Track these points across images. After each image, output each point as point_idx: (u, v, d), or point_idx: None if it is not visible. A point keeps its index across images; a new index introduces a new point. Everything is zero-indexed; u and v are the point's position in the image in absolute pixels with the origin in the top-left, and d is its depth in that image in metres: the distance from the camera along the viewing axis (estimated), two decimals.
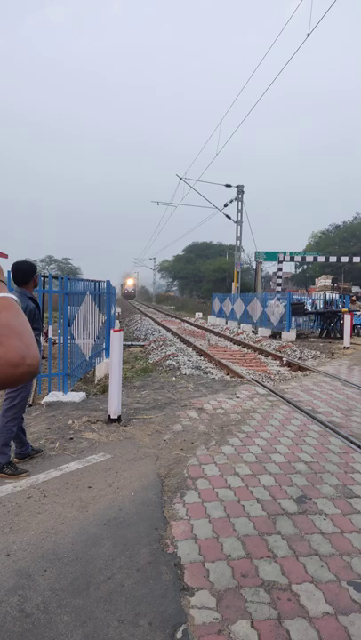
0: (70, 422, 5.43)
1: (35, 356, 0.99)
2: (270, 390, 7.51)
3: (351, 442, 4.93)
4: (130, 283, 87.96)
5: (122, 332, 5.86)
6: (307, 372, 9.69)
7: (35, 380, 6.80)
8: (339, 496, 3.63)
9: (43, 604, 2.34)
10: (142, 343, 15.16)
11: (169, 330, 19.78)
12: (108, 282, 10.65)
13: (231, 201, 27.87)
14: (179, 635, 2.13)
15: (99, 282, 9.71)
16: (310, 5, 10.65)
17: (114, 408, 5.47)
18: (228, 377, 9.32)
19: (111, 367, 5.59)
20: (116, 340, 5.63)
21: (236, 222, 27.64)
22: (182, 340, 16.09)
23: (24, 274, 4.19)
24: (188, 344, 14.81)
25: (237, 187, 27.42)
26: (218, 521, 3.21)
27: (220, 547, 2.88)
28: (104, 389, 7.66)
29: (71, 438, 4.92)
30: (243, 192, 27.42)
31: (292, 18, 11.60)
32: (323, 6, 10.48)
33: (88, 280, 9.06)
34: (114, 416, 5.46)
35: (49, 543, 2.90)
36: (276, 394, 7.22)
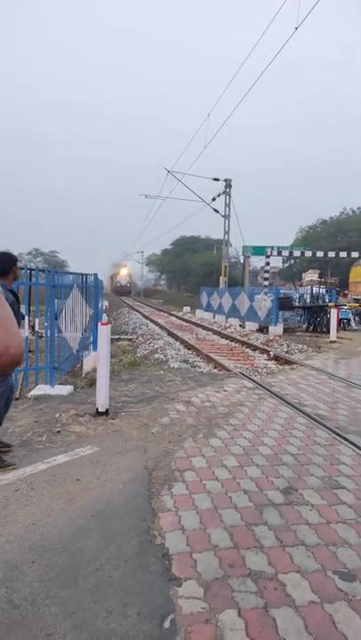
0: (58, 415, 5.41)
1: (18, 345, 0.99)
2: (258, 384, 7.56)
3: (337, 434, 4.99)
4: (123, 273, 66.91)
5: (109, 326, 5.85)
6: (294, 366, 9.76)
7: (21, 374, 6.77)
8: (325, 487, 3.67)
9: (31, 595, 2.34)
10: (130, 337, 15.14)
11: (157, 324, 19.77)
12: (96, 275, 10.60)
13: (219, 195, 27.85)
14: (167, 624, 2.15)
15: (86, 275, 9.66)
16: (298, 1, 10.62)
17: (102, 401, 5.46)
18: (215, 370, 9.36)
19: (99, 360, 5.58)
20: (104, 333, 5.62)
21: (224, 216, 27.65)
22: (170, 333, 16.10)
23: (3, 265, 4.10)
24: (176, 338, 14.82)
25: (225, 180, 27.40)
26: (205, 512, 3.23)
27: (208, 537, 2.90)
28: (92, 383, 7.63)
29: (59, 431, 4.91)
30: (231, 186, 27.41)
31: (282, 11, 11.56)
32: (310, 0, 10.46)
33: (75, 273, 9.01)
34: (102, 409, 5.45)
35: (37, 535, 2.90)
36: (264, 387, 7.27)
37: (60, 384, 6.95)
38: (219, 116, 20.24)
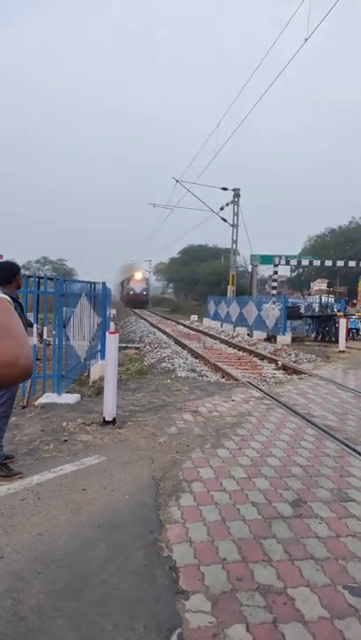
0: (65, 424, 5.40)
1: (28, 356, 0.98)
2: (266, 393, 7.51)
3: (346, 445, 4.93)
4: (138, 277, 53.74)
5: (117, 334, 5.85)
6: (302, 376, 9.70)
7: (29, 381, 6.78)
8: (334, 500, 3.63)
9: (37, 607, 2.32)
10: (137, 345, 15.14)
11: (164, 332, 19.76)
12: (104, 283, 10.63)
13: (228, 204, 27.93)
14: (174, 638, 2.12)
15: (94, 283, 9.70)
16: (308, 10, 10.70)
17: (109, 410, 5.45)
18: (223, 380, 9.32)
19: (106, 369, 5.57)
20: (112, 341, 5.62)
21: (233, 225, 27.70)
22: (177, 342, 16.09)
23: (6, 273, 4.12)
24: (184, 346, 14.80)
25: (234, 190, 27.50)
26: (213, 524, 3.19)
27: (216, 550, 2.86)
28: (98, 391, 7.63)
29: (65, 440, 4.89)
30: (239, 195, 27.49)
31: (292, 22, 11.65)
32: (322, 11, 10.53)
33: (83, 281, 9.05)
34: (109, 418, 5.43)
35: (43, 546, 2.88)
36: (272, 397, 7.22)
37: (67, 392, 6.95)
38: (230, 124, 20.33)
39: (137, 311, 41.05)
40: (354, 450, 4.80)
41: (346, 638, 2.13)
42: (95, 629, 2.17)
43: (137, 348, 14.40)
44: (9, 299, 1.09)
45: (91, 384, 8.49)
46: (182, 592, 2.45)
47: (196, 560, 2.75)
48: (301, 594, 2.44)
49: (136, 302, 49.27)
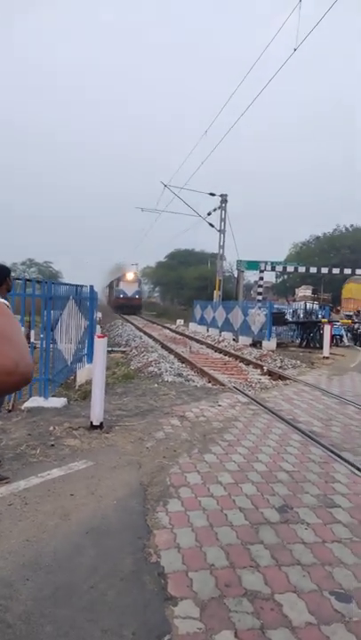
0: (51, 428, 5.38)
1: (28, 363, 0.97)
2: (252, 399, 7.56)
3: (332, 452, 4.99)
4: (130, 277, 46.29)
5: (106, 338, 5.85)
6: (287, 382, 9.78)
7: None
8: (320, 505, 3.67)
9: (25, 613, 2.31)
10: (124, 349, 15.12)
11: (150, 336, 19.76)
12: (91, 287, 10.61)
13: (215, 209, 28.08)
14: None
15: (81, 286, 9.67)
16: (298, 21, 10.85)
17: (96, 414, 5.43)
18: (209, 385, 9.36)
19: (94, 373, 5.56)
20: (100, 345, 5.61)
21: (220, 231, 27.84)
22: (164, 346, 16.09)
23: None
24: (170, 351, 14.82)
25: (221, 195, 27.64)
26: (201, 530, 3.21)
27: (204, 556, 2.88)
28: (85, 395, 7.62)
29: (52, 445, 4.87)
30: (226, 201, 27.65)
31: (281, 31, 11.78)
32: (311, 22, 10.68)
33: (70, 284, 9.02)
34: (96, 423, 5.42)
35: (30, 552, 2.86)
36: (258, 402, 7.27)
37: (53, 396, 6.91)
38: (219, 130, 20.46)
39: (125, 315, 38.33)
40: (339, 456, 4.86)
41: None
42: (83, 636, 2.17)
43: (123, 352, 14.38)
44: (7, 303, 1.09)
45: (77, 388, 8.47)
46: (171, 598, 2.46)
47: (184, 566, 2.76)
48: (289, 600, 2.47)
49: (127, 307, 42.03)
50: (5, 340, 0.95)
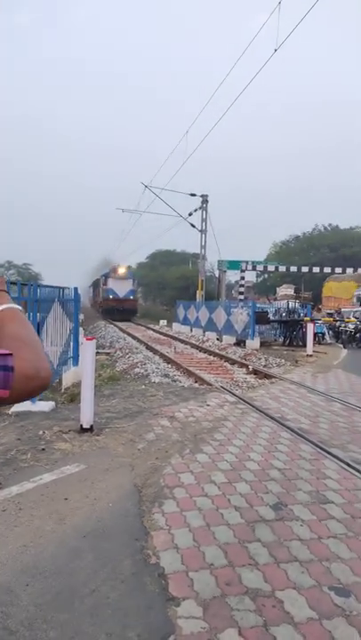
0: (41, 432, 5.33)
1: (47, 367, 0.97)
2: (239, 398, 7.61)
3: (321, 448, 5.05)
4: (122, 272, 37.77)
5: (94, 341, 5.82)
6: (273, 380, 9.86)
7: None
8: (313, 502, 3.71)
9: (27, 619, 2.29)
10: (108, 351, 15.05)
11: (134, 337, 19.71)
12: (76, 289, 10.54)
13: (196, 210, 28.13)
14: None
15: (63, 288, 9.59)
16: (277, 22, 10.94)
17: (87, 417, 5.41)
18: (196, 385, 9.38)
19: (84, 376, 5.53)
20: (89, 348, 5.59)
21: (201, 231, 27.91)
22: (148, 347, 16.07)
23: None
24: (155, 352, 14.81)
25: (202, 196, 27.71)
26: (198, 530, 3.22)
27: (203, 556, 2.89)
28: (72, 398, 7.56)
29: (43, 449, 4.83)
30: (207, 201, 27.73)
31: (262, 31, 11.85)
32: (291, 23, 10.79)
33: (53, 287, 8.94)
34: (86, 425, 5.39)
35: (28, 557, 2.84)
36: (246, 401, 7.32)
37: (40, 400, 6.84)
38: (199, 132, 20.51)
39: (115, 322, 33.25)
40: (328, 452, 4.92)
41: (335, 638, 2.20)
42: None
43: (108, 354, 14.31)
44: (21, 308, 1.08)
45: (63, 391, 8.39)
46: (173, 599, 2.47)
47: (183, 566, 2.77)
48: (289, 596, 2.50)
49: (119, 312, 34.22)
50: (24, 345, 0.95)
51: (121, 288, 36.01)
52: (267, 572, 2.73)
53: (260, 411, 6.72)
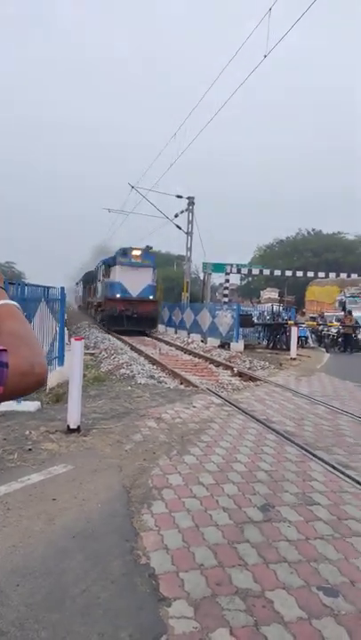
0: (27, 432, 5.30)
1: (43, 364, 0.97)
2: (225, 400, 7.65)
3: (306, 450, 5.11)
4: (136, 255, 23.02)
5: (83, 341, 5.80)
6: (258, 383, 9.93)
7: None
8: (300, 503, 3.76)
9: (18, 620, 2.28)
10: (92, 351, 14.97)
11: (118, 338, 19.63)
12: (62, 288, 10.48)
13: (182, 211, 28.17)
14: None
15: (49, 288, 9.53)
16: (267, 28, 11.04)
17: (73, 418, 5.38)
18: (182, 386, 9.39)
19: (72, 376, 5.51)
20: (78, 348, 5.57)
21: (187, 233, 27.95)
22: (133, 348, 16.04)
23: None
24: (140, 353, 14.78)
25: (188, 198, 27.76)
26: (187, 531, 3.24)
27: (192, 556, 2.91)
28: (57, 399, 7.52)
29: (30, 449, 4.80)
30: (193, 203, 27.78)
31: (253, 36, 11.94)
32: (281, 29, 10.90)
33: (39, 286, 8.88)
34: (73, 426, 5.37)
35: (18, 557, 2.83)
36: (232, 403, 7.36)
37: (25, 400, 6.79)
38: (187, 135, 20.58)
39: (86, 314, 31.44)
40: (314, 455, 4.98)
41: (324, 637, 2.23)
42: None
43: (92, 354, 14.24)
44: (17, 305, 1.08)
45: (48, 391, 8.33)
46: (164, 599, 2.48)
47: (174, 567, 2.79)
48: (279, 596, 2.53)
49: (133, 320, 21.98)
50: (20, 341, 0.95)
51: (134, 281, 22.50)
52: (256, 572, 2.76)
53: (246, 413, 6.77)
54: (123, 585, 2.60)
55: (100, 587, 2.58)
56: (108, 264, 24.17)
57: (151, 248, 24.65)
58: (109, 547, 3.00)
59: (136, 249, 23.34)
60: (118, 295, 22.30)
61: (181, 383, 9.77)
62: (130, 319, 21.85)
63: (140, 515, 3.46)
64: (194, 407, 7.02)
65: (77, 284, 40.38)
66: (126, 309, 21.84)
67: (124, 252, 23.10)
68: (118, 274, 22.71)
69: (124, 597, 2.49)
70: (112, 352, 13.57)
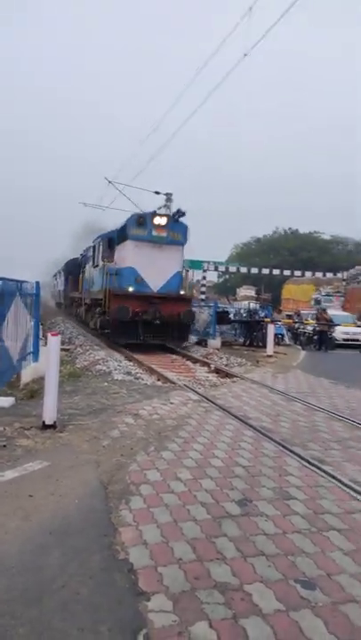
0: (2, 429, 5.22)
1: None
2: (202, 396, 7.68)
3: (283, 446, 5.17)
4: (160, 224, 14.52)
5: (59, 337, 5.74)
6: (235, 379, 9.99)
7: None
8: (277, 498, 3.80)
9: None
10: (67, 347, 14.81)
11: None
12: (37, 283, 10.34)
13: (160, 208, 28.06)
14: (140, 639, 2.14)
15: (22, 282, 9.38)
16: (248, 27, 11.09)
17: (49, 414, 5.32)
18: (159, 383, 9.39)
19: (48, 372, 5.44)
20: (54, 343, 5.51)
21: None
22: (109, 344, 15.92)
23: None
24: (116, 349, 14.69)
25: (166, 194, 27.69)
26: (165, 525, 3.24)
27: (171, 551, 2.91)
28: (32, 394, 7.42)
29: (4, 445, 4.73)
30: (171, 200, 27.70)
31: (234, 34, 11.98)
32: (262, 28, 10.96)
33: (14, 280, 8.72)
34: (49, 422, 5.31)
35: None
36: (209, 400, 7.39)
37: None
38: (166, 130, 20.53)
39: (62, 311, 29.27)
40: (290, 450, 5.04)
41: (302, 628, 2.26)
42: (59, 635, 2.14)
43: (67, 350, 14.09)
44: None
45: (22, 387, 8.21)
46: (143, 593, 2.47)
47: (152, 561, 2.78)
48: (257, 589, 2.55)
49: (155, 328, 14.53)
50: None
51: (157, 268, 14.96)
52: (234, 566, 2.78)
53: (223, 409, 6.80)
54: (101, 580, 2.59)
55: (78, 582, 2.56)
56: (113, 240, 16.05)
57: (184, 214, 15.44)
58: (87, 542, 2.98)
59: (161, 215, 15.31)
60: (131, 289, 14.32)
61: (159, 379, 9.77)
62: (149, 327, 14.36)
63: (118, 510, 3.44)
64: (171, 403, 7.03)
65: (55, 275, 32.11)
66: (144, 311, 14.12)
67: (141, 221, 14.61)
68: (131, 254, 14.55)
69: (103, 592, 2.48)
70: (87, 348, 13.47)
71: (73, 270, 25.81)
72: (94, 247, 18.38)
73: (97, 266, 17.51)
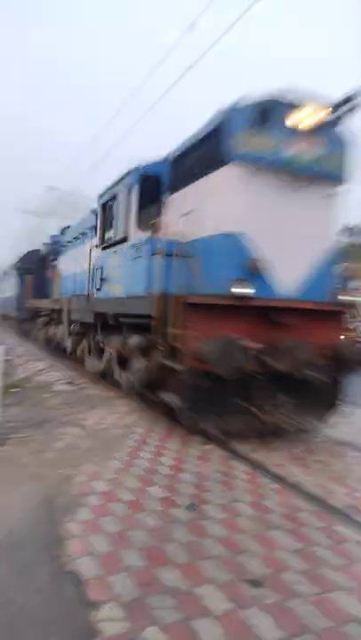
0: None
1: None
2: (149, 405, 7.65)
3: (230, 451, 5.26)
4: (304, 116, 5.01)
5: (4, 347, 5.57)
6: None
7: None
8: (223, 502, 3.86)
9: None
10: (8, 357, 14.33)
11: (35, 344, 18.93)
12: None
13: None
14: None
15: None
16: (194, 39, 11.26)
17: None
18: (105, 392, 9.26)
19: None
20: None
21: None
22: (53, 354, 15.54)
23: None
24: (60, 359, 14.36)
25: None
26: (114, 535, 3.21)
27: (120, 559, 2.90)
28: None
29: None
30: None
31: (179, 47, 12.12)
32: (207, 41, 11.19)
33: None
34: None
35: None
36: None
37: None
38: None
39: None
40: (237, 455, 5.14)
41: (250, 625, 2.32)
42: None
43: (7, 360, 13.63)
44: None
45: None
46: (93, 603, 2.45)
47: (102, 571, 2.76)
48: (208, 591, 2.59)
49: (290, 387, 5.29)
50: None
51: (292, 238, 5.41)
52: (185, 570, 2.80)
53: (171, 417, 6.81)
54: (50, 593, 2.54)
55: (25, 597, 2.49)
56: (165, 177, 6.74)
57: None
58: (34, 556, 2.91)
59: (302, 106, 5.37)
60: (244, 290, 5.20)
61: (104, 389, 9.63)
62: (271, 382, 5.35)
63: (64, 522, 3.37)
64: (117, 413, 6.96)
65: (16, 265, 20.69)
66: (271, 350, 5.21)
67: (266, 115, 5.22)
68: (241, 201, 5.27)
69: (51, 605, 2.43)
70: (28, 358, 13.10)
71: (33, 267, 17.85)
72: (105, 204, 8.17)
73: (114, 243, 7.72)
